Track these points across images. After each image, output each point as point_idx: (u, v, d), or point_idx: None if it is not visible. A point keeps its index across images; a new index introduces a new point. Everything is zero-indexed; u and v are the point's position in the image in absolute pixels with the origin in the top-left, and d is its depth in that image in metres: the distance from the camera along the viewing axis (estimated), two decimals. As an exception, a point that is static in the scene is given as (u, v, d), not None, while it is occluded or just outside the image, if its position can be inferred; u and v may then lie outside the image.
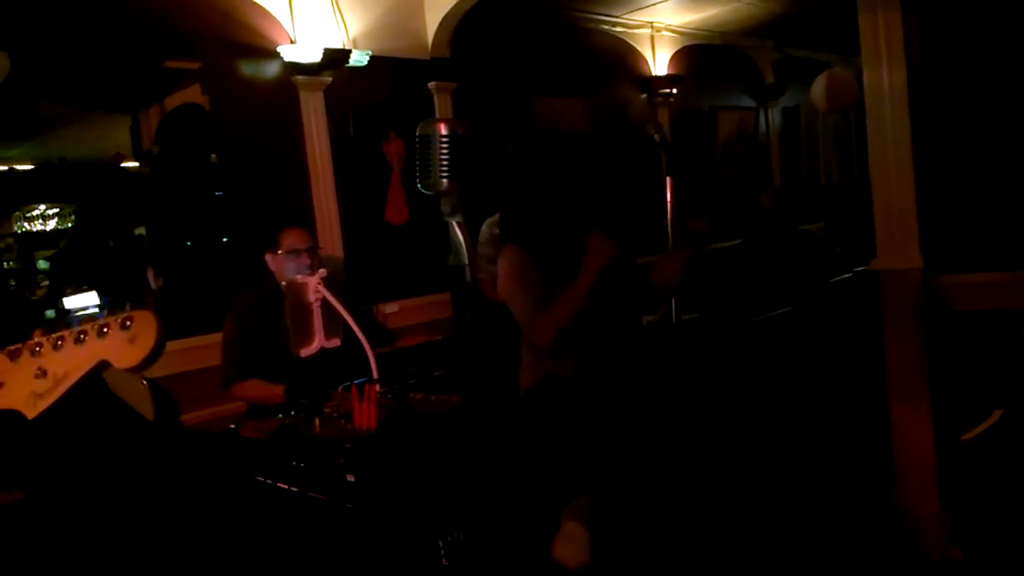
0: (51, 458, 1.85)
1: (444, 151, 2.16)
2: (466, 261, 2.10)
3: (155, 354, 1.17)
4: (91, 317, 1.22)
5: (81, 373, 1.20)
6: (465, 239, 2.16)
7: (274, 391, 3.03)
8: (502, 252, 2.86)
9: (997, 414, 2.77)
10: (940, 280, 2.94)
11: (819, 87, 6.21)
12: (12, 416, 1.21)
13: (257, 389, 3.15)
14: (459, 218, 2.12)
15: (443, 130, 2.14)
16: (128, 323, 1.18)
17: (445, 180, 2.09)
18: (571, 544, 2.50)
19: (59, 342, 1.22)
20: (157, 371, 3.53)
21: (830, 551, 2.94)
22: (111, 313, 1.20)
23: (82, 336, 1.20)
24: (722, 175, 7.16)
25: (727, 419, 3.63)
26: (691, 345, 3.72)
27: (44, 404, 1.21)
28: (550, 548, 2.50)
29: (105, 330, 1.19)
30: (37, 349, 1.23)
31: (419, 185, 2.08)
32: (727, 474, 3.22)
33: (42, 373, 1.21)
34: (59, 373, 1.21)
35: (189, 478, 2.32)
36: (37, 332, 1.24)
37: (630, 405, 2.71)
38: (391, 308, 4.52)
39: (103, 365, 1.20)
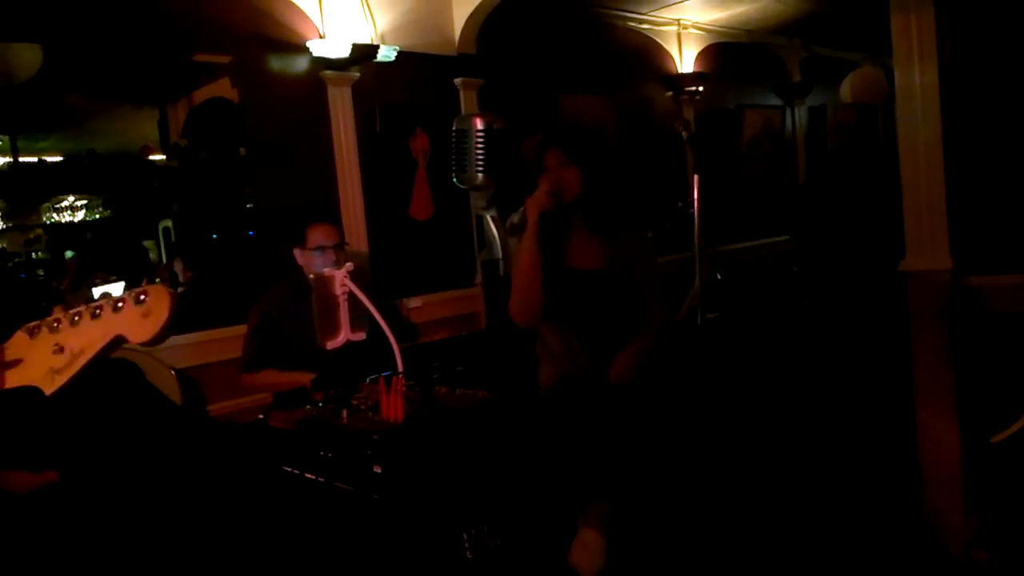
0: (85, 438, 1.87)
1: (480, 145, 2.17)
2: (500, 255, 2.11)
3: (168, 328, 1.18)
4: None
5: (97, 348, 1.21)
6: (499, 233, 2.17)
7: (289, 377, 3.05)
8: (514, 242, 2.88)
9: (1027, 416, 2.74)
10: (970, 281, 2.91)
11: (848, 85, 6.16)
12: (32, 392, 1.22)
13: (272, 377, 3.17)
14: (493, 212, 2.13)
15: (479, 124, 2.14)
16: (142, 298, 1.19)
17: (481, 174, 2.10)
18: (587, 551, 2.50)
19: (76, 318, 1.23)
20: (185, 362, 3.58)
21: (854, 551, 2.93)
22: (127, 289, 1.21)
23: (98, 312, 1.22)
24: (747, 173, 7.13)
25: (751, 419, 3.62)
26: (715, 345, 3.71)
27: (62, 380, 1.22)
28: (567, 553, 2.51)
29: (120, 305, 1.20)
30: (55, 325, 1.24)
31: (455, 179, 2.09)
32: (750, 474, 3.22)
33: (59, 349, 1.23)
34: (76, 348, 1.22)
35: (218, 466, 2.34)
36: (56, 309, 1.25)
37: (649, 407, 2.70)
38: (415, 303, 4.53)
39: (119, 340, 1.21)
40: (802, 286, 5.38)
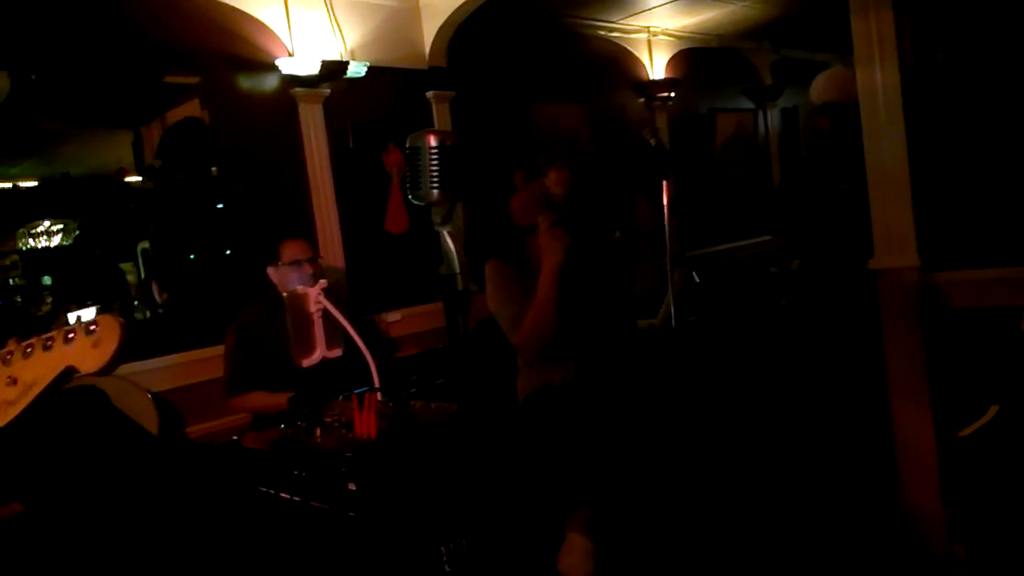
0: (49, 470, 1.87)
1: (434, 162, 2.19)
2: (457, 270, 2.13)
3: (118, 357, 1.20)
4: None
5: (49, 379, 1.23)
6: (456, 248, 2.19)
7: (277, 399, 3.05)
8: (486, 268, 2.89)
9: (994, 410, 2.78)
10: (937, 278, 2.95)
11: (817, 85, 6.21)
12: None
13: (259, 399, 3.17)
14: (450, 228, 2.16)
15: (432, 142, 2.17)
16: (93, 328, 1.20)
17: (436, 191, 2.13)
18: (574, 556, 2.51)
19: (28, 349, 1.24)
20: (162, 384, 3.56)
21: (833, 548, 2.94)
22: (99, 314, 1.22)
23: (49, 343, 1.23)
24: (722, 177, 7.18)
25: (729, 416, 3.64)
26: (692, 348, 3.73)
27: (15, 411, 1.24)
28: (555, 559, 2.52)
29: (71, 336, 1.21)
30: (8, 358, 1.25)
31: (410, 196, 2.11)
32: (732, 474, 3.23)
33: (12, 381, 1.24)
34: (28, 380, 1.23)
35: (192, 490, 2.34)
36: (11, 341, 1.26)
37: (629, 411, 2.72)
38: (393, 317, 4.53)
39: (70, 370, 1.22)
40: (779, 286, 5.42)
